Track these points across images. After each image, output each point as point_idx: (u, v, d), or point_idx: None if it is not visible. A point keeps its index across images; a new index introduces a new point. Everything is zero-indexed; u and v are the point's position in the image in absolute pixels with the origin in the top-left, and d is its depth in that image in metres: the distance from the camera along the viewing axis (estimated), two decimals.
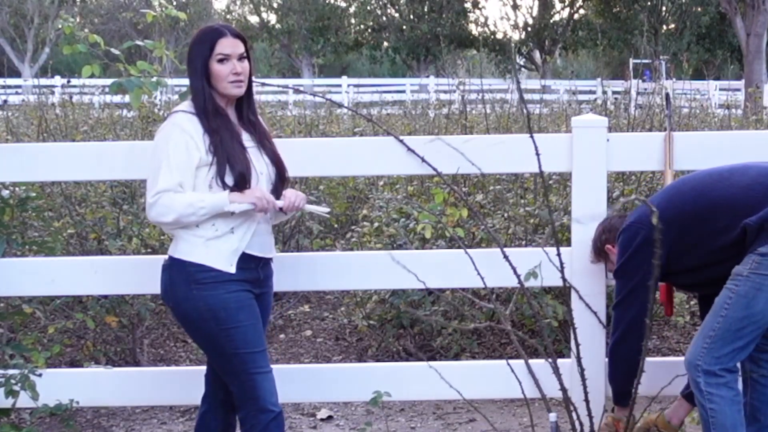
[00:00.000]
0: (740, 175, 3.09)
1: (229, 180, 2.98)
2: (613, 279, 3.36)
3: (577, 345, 3.28)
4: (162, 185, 2.93)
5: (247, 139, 3.09)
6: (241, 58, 3.05)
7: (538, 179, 5.35)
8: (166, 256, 3.10)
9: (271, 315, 4.70)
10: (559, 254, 3.15)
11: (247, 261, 3.04)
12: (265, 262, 3.15)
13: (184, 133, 2.96)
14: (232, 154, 2.99)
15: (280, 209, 3.11)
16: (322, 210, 3.35)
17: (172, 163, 2.94)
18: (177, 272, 3.01)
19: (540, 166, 3.16)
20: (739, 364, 3.13)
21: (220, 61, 3.01)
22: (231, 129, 3.04)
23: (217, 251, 2.98)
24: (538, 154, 3.14)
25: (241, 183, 2.99)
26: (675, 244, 3.07)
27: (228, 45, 3.02)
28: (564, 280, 3.20)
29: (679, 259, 3.11)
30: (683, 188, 3.18)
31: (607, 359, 3.36)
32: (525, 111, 3.18)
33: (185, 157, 2.95)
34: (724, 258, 3.03)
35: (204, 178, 2.98)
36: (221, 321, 2.97)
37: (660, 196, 3.23)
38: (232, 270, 2.99)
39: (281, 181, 3.15)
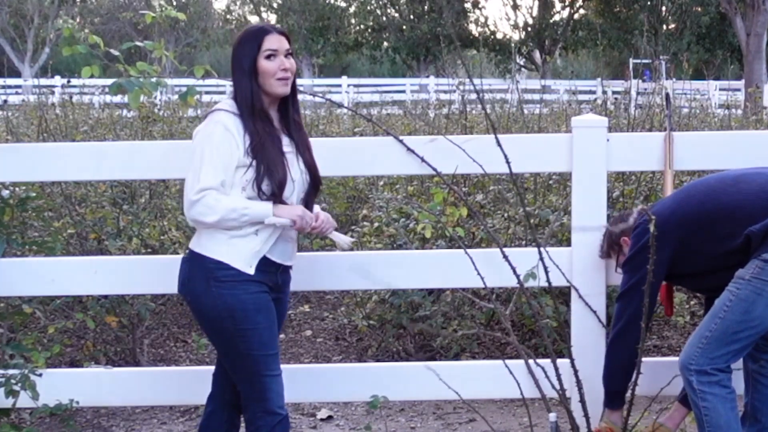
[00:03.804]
0: (747, 182, 3.08)
1: (266, 188, 2.93)
2: (618, 275, 3.37)
3: (570, 346, 3.28)
4: (205, 183, 2.87)
5: (286, 144, 3.04)
6: (287, 54, 3.02)
7: (538, 179, 5.35)
8: (186, 251, 3.07)
9: None
10: (541, 258, 3.17)
11: (267, 264, 3.00)
12: (284, 269, 3.11)
13: (227, 132, 2.92)
14: (272, 161, 2.94)
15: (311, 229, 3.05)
16: (346, 240, 3.24)
17: (215, 161, 2.89)
18: (197, 267, 2.97)
19: (511, 172, 3.24)
20: (741, 362, 3.13)
21: (268, 57, 2.97)
22: (273, 134, 2.99)
23: (238, 250, 2.94)
24: (508, 162, 3.21)
25: (278, 192, 2.95)
26: (679, 247, 3.09)
27: (275, 41, 2.99)
28: (549, 283, 3.22)
29: (683, 262, 3.12)
30: (692, 191, 3.20)
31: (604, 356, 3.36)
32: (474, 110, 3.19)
33: (227, 156, 2.90)
34: (725, 266, 3.03)
35: (239, 178, 2.94)
36: (238, 321, 2.93)
37: (671, 198, 3.25)
38: (251, 271, 2.95)
39: (314, 189, 3.11)
